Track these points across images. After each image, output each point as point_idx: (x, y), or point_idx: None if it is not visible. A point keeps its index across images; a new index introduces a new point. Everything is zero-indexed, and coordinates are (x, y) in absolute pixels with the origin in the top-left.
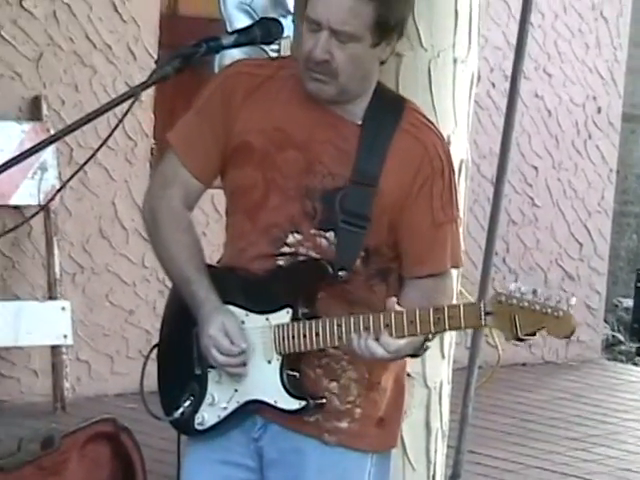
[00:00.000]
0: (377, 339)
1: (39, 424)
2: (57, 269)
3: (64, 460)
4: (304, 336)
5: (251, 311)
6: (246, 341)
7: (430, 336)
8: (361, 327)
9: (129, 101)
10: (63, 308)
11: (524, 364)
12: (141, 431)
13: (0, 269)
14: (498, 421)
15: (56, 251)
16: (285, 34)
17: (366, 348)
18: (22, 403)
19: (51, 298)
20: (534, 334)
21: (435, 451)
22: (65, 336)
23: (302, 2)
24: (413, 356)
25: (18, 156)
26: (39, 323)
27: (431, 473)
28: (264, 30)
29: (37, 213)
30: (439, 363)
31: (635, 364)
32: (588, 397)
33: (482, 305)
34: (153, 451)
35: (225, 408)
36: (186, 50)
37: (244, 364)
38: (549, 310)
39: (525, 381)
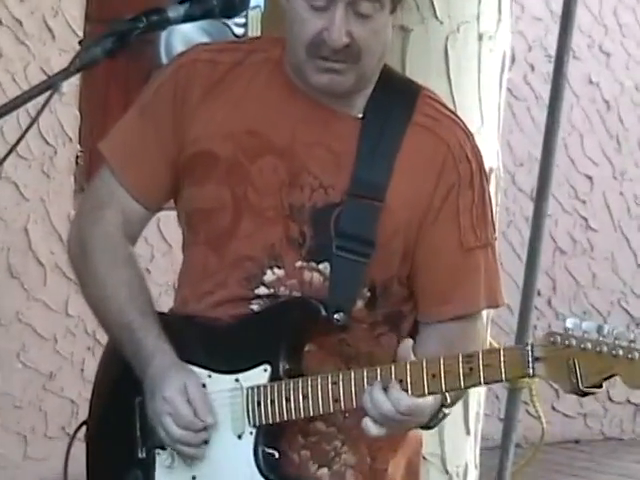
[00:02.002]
0: (385, 390)
1: None
2: None
3: None
4: (287, 400)
5: (215, 371)
6: (213, 415)
7: (448, 399)
8: (365, 385)
9: (46, 94)
10: None
11: (577, 441)
12: None
13: None
14: None
15: None
16: (253, 3)
17: (371, 402)
18: None
19: None
20: (601, 385)
21: None
22: None
23: None
24: (426, 427)
25: None
26: None
27: None
28: None
29: None
30: (463, 441)
31: None
32: None
33: (529, 348)
34: None
35: None
36: (120, 26)
37: (205, 443)
38: (620, 352)
39: (579, 463)
